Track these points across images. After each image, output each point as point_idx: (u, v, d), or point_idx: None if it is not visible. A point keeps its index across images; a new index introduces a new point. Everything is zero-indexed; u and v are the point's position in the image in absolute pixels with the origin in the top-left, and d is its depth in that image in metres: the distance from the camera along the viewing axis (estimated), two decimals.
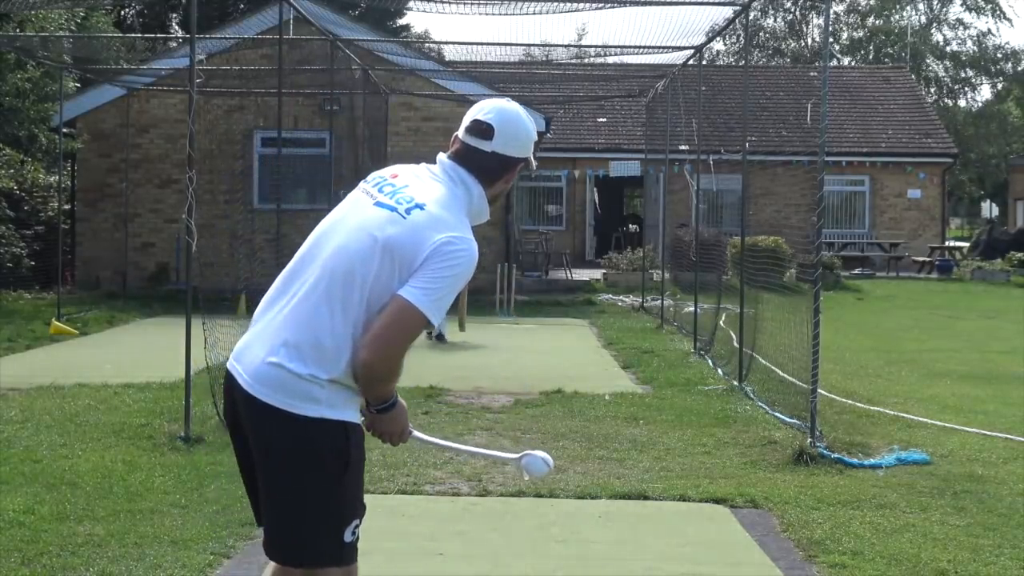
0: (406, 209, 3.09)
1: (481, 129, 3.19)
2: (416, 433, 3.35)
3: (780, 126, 29.53)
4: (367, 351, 2.99)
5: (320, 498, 3.09)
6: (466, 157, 3.21)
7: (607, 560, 5.38)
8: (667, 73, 15.65)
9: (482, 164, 3.20)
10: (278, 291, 3.20)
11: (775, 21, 52.89)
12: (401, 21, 42.66)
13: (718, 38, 14.39)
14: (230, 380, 3.20)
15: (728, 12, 11.60)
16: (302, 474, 3.07)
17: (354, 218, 3.16)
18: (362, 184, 3.30)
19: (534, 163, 3.33)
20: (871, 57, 50.76)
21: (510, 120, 3.21)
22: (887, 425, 8.67)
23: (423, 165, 3.28)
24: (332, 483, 3.09)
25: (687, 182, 16.14)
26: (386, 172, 3.29)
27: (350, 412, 3.12)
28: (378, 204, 3.14)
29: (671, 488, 6.60)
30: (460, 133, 3.25)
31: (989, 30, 59.91)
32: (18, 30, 16.51)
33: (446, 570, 5.13)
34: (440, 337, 13.05)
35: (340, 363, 3.05)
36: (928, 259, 27.69)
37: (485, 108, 3.22)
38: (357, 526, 3.19)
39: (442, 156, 3.25)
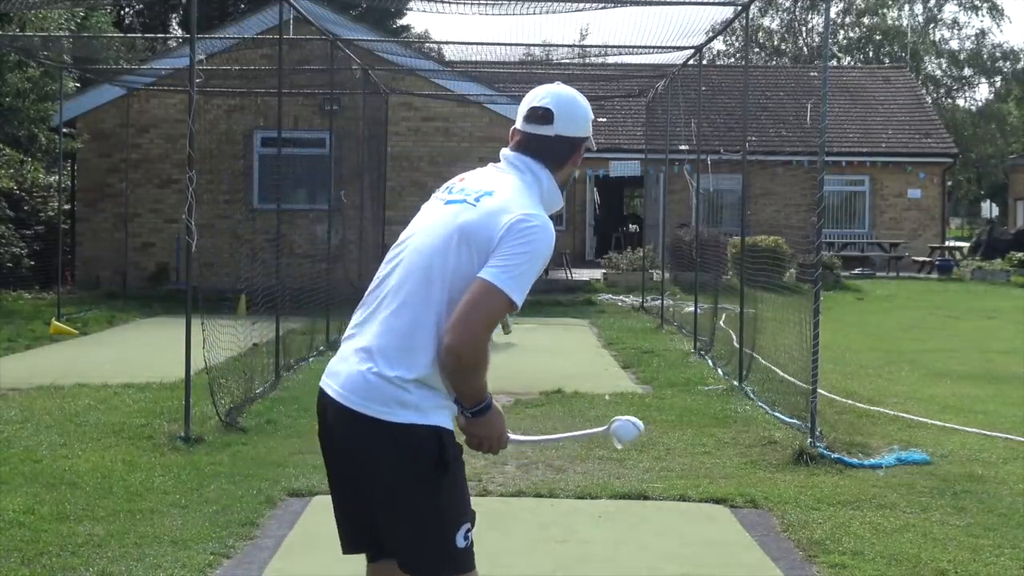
0: (476, 198, 3.11)
1: (539, 115, 3.19)
2: (512, 436, 3.23)
3: (780, 126, 29.52)
4: (449, 336, 2.92)
5: (421, 505, 3.03)
6: (529, 145, 3.21)
7: (607, 560, 5.38)
8: (667, 73, 15.64)
9: (547, 149, 3.19)
10: (364, 305, 3.18)
11: (772, 22, 52.93)
12: (401, 21, 42.67)
13: (718, 38, 14.40)
14: (322, 397, 3.15)
15: (728, 12, 11.60)
16: (400, 482, 3.02)
17: (428, 220, 3.18)
18: (434, 194, 3.31)
19: (594, 142, 3.33)
20: (871, 55, 50.77)
21: (567, 101, 3.21)
22: (887, 425, 8.67)
23: (489, 165, 3.29)
24: (431, 489, 3.02)
25: (687, 182, 16.15)
26: (455, 179, 3.32)
27: (441, 417, 3.04)
28: (449, 202, 3.17)
29: (671, 488, 6.60)
30: (518, 124, 3.25)
31: (987, 29, 59.85)
32: (18, 30, 16.50)
33: None
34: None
35: (426, 361, 2.99)
36: (928, 259, 27.69)
37: (539, 94, 3.23)
38: (469, 530, 3.08)
39: (505, 150, 3.26)
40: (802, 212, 26.90)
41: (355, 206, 15.46)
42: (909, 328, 16.53)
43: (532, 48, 17.96)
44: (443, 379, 3.01)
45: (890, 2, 51.66)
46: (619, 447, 3.36)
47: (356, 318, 3.18)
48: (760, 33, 51.67)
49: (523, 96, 3.34)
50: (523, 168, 3.19)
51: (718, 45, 45.80)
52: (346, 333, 3.19)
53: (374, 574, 3.29)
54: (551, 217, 3.17)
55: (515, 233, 2.99)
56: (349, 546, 3.28)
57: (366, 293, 3.22)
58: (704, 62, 14.23)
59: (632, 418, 3.32)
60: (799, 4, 51.98)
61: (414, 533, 3.03)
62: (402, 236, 3.26)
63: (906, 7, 52.25)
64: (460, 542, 3.04)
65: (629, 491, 6.52)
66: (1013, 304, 20.45)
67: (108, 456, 7.14)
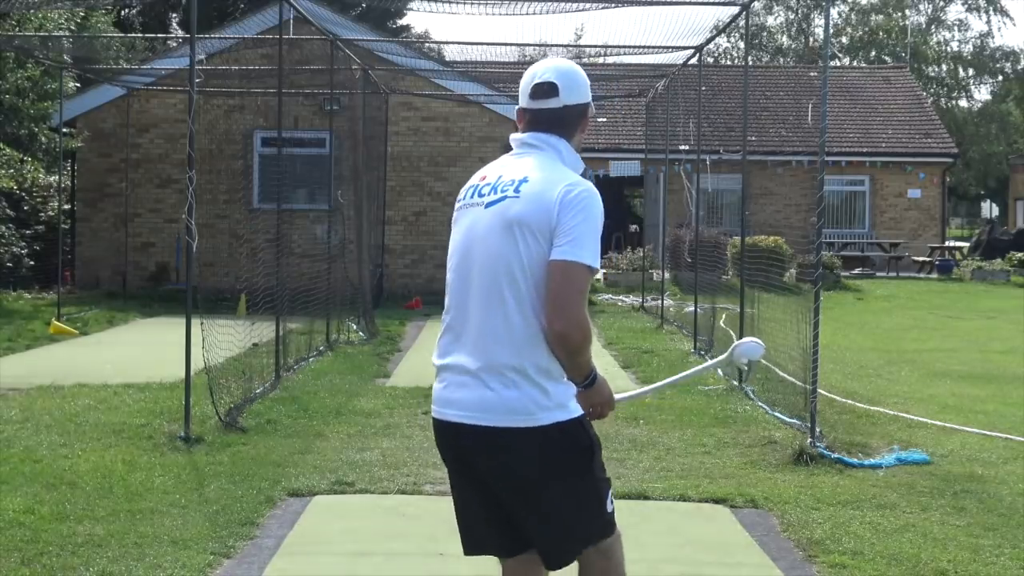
0: (515, 189, 3.21)
1: (545, 89, 3.29)
2: (619, 396, 3.49)
3: (780, 126, 29.52)
4: (552, 324, 3.10)
5: (584, 493, 3.24)
6: (539, 121, 3.31)
7: None
8: (667, 73, 15.64)
9: (557, 120, 3.31)
10: (450, 328, 3.29)
11: (776, 20, 52.92)
12: (401, 21, 42.66)
13: (721, 37, 14.40)
14: (445, 428, 3.28)
15: (728, 12, 11.59)
16: (563, 479, 3.20)
17: (478, 229, 3.25)
18: (458, 205, 3.38)
19: (593, 107, 3.45)
20: (872, 56, 50.76)
21: (568, 72, 3.34)
22: (887, 425, 8.67)
23: (503, 156, 3.39)
24: (588, 474, 3.24)
25: (685, 183, 16.15)
26: (474, 180, 3.38)
27: (576, 407, 3.23)
28: (489, 204, 3.24)
29: (671, 488, 6.60)
30: (524, 103, 3.34)
31: (989, 31, 59.91)
32: (17, 29, 16.50)
33: (446, 570, 5.13)
34: None
35: (541, 350, 3.15)
36: (928, 259, 27.69)
37: (539, 71, 3.33)
38: (610, 491, 3.35)
39: (515, 134, 3.36)
40: (802, 212, 26.91)
41: (355, 206, 15.45)
42: (909, 328, 16.52)
43: (532, 48, 17.96)
44: (559, 364, 3.18)
45: (893, 3, 51.64)
46: (746, 365, 3.57)
47: (447, 344, 3.29)
48: (764, 33, 51.66)
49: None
50: (541, 145, 3.29)
51: (722, 43, 45.78)
52: (442, 361, 3.29)
53: (512, 570, 3.44)
54: None
55: (567, 207, 3.12)
56: (476, 548, 3.43)
57: (445, 315, 3.32)
58: (709, 60, 14.22)
59: (754, 338, 3.48)
60: (803, 3, 51.98)
61: (577, 513, 3.23)
62: (454, 256, 3.32)
63: (909, 8, 52.24)
64: (609, 506, 3.31)
65: (629, 491, 6.52)
66: (1013, 304, 20.45)
67: (108, 456, 7.14)
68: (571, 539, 3.26)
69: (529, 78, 3.32)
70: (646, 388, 3.80)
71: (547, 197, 3.13)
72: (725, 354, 3.52)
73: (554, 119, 3.29)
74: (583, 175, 3.28)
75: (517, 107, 3.39)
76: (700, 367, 3.73)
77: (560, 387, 3.20)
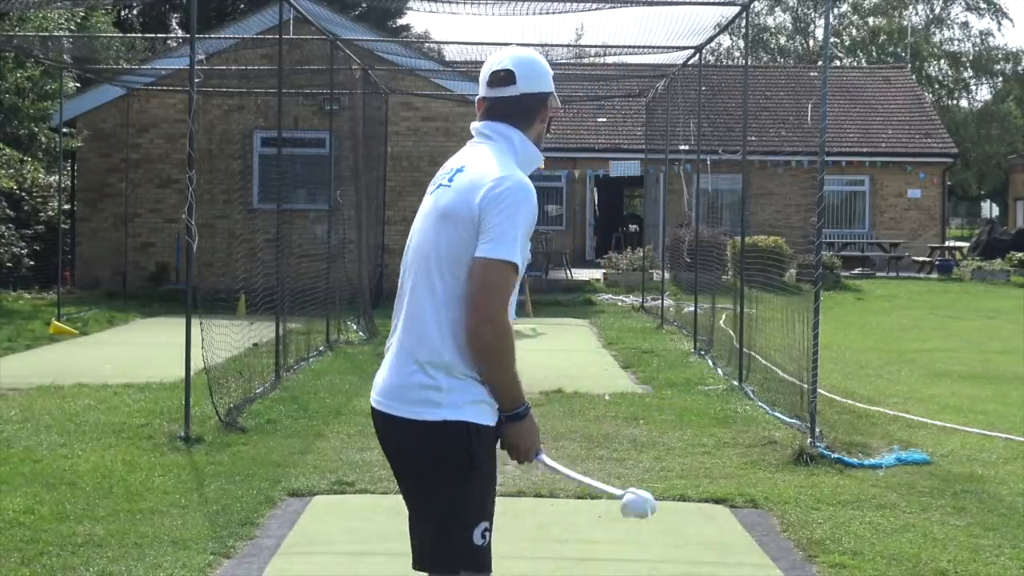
0: (449, 178, 3.19)
1: (501, 77, 3.23)
2: (543, 457, 3.24)
3: (780, 126, 29.52)
4: (468, 318, 3.00)
5: (446, 499, 3.07)
6: (495, 109, 3.25)
7: (607, 560, 5.38)
8: (667, 73, 15.64)
9: (513, 108, 3.23)
10: (393, 316, 3.27)
11: (776, 20, 52.92)
12: (401, 21, 42.66)
13: (723, 36, 14.40)
14: (373, 414, 3.24)
15: (729, 12, 11.59)
16: (428, 476, 3.09)
17: (420, 216, 3.30)
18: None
19: (558, 100, 3.35)
20: (875, 56, 50.75)
21: (526, 60, 3.26)
22: (887, 425, 8.67)
23: (467, 143, 3.35)
24: (457, 484, 3.07)
25: (684, 183, 16.15)
26: (440, 169, 3.39)
27: (473, 412, 3.07)
28: (432, 192, 3.27)
29: (671, 488, 6.60)
30: (481, 91, 3.29)
31: (989, 31, 59.93)
32: (17, 29, 16.50)
33: None
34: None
35: (449, 347, 3.05)
36: (928, 259, 27.68)
37: (497, 59, 3.27)
38: (487, 529, 3.12)
39: (474, 123, 3.31)
40: (802, 212, 26.91)
41: (355, 206, 15.46)
42: (909, 328, 16.53)
43: (532, 48, 17.94)
44: (476, 372, 3.06)
45: (894, 3, 51.63)
46: (626, 516, 3.32)
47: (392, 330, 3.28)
48: (766, 33, 51.64)
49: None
50: (492, 134, 3.23)
51: (724, 42, 45.77)
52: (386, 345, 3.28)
53: None
54: (535, 178, 3.24)
55: (492, 203, 3.04)
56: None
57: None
58: (710, 60, 14.22)
59: (648, 496, 3.29)
60: (805, 2, 51.97)
61: (436, 526, 3.09)
62: (408, 242, 3.34)
63: (910, 8, 52.24)
64: (478, 539, 3.08)
65: None
66: (1013, 304, 20.45)
67: (108, 456, 7.14)
68: (427, 544, 3.12)
69: (488, 66, 3.27)
70: (568, 473, 3.45)
71: (474, 192, 3.07)
72: (620, 492, 3.33)
73: (510, 108, 3.22)
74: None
75: (476, 96, 3.33)
76: (601, 487, 3.49)
77: (459, 385, 3.05)
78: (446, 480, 3.06)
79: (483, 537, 3.09)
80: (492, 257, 2.99)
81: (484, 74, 3.28)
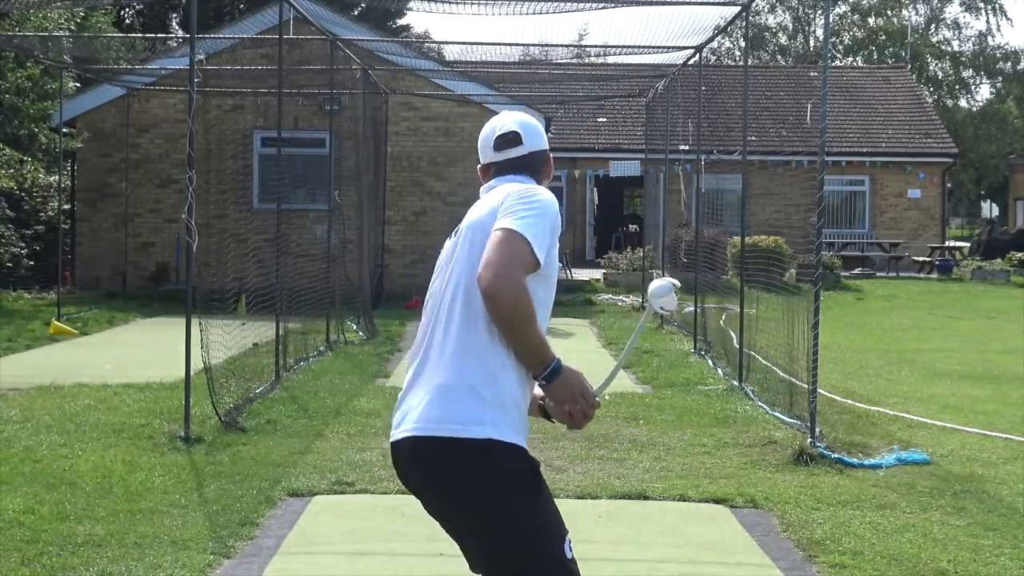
0: (475, 206, 3.21)
1: (509, 139, 3.29)
2: (597, 394, 3.06)
3: (780, 126, 29.52)
4: (481, 282, 2.89)
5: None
6: (505, 167, 3.28)
7: (607, 560, 5.38)
8: (667, 73, 15.64)
9: (522, 165, 3.28)
10: (412, 358, 3.18)
11: (776, 20, 52.92)
12: (401, 21, 42.68)
13: (724, 36, 14.38)
14: (394, 447, 3.15)
15: (729, 12, 11.59)
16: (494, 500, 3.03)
17: (441, 259, 3.22)
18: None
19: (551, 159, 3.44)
20: (875, 56, 50.75)
21: (526, 122, 3.34)
22: (887, 425, 8.67)
23: None
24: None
25: (683, 183, 16.14)
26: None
27: (518, 436, 3.02)
28: (454, 235, 3.23)
29: (671, 488, 6.60)
30: (487, 157, 3.32)
31: (988, 30, 59.89)
32: (17, 29, 16.50)
33: (446, 570, 5.13)
34: None
35: (455, 364, 2.98)
36: (928, 259, 27.68)
37: (499, 124, 3.34)
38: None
39: (483, 187, 3.32)
40: (802, 212, 26.89)
41: (355, 206, 15.46)
42: (909, 328, 16.53)
43: (532, 48, 17.96)
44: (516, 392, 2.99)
45: (893, 4, 51.64)
46: (666, 311, 3.25)
47: (409, 370, 3.15)
48: (766, 32, 51.63)
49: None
50: (508, 181, 3.24)
51: (725, 42, 45.75)
52: (404, 387, 3.15)
53: None
54: None
55: (513, 196, 3.05)
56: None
57: (413, 348, 3.23)
58: (711, 59, 14.22)
59: (662, 283, 3.20)
60: (805, 2, 51.98)
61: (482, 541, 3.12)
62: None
63: (909, 7, 52.24)
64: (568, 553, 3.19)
65: (629, 491, 6.52)
66: (1013, 304, 20.45)
67: (108, 456, 7.14)
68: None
69: (489, 131, 3.33)
70: (614, 368, 3.35)
71: (497, 200, 3.09)
72: (648, 307, 3.27)
73: (520, 165, 3.27)
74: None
75: (479, 165, 3.36)
76: (638, 330, 3.37)
77: (500, 409, 2.97)
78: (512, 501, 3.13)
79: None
80: (511, 227, 2.93)
81: (486, 139, 3.32)
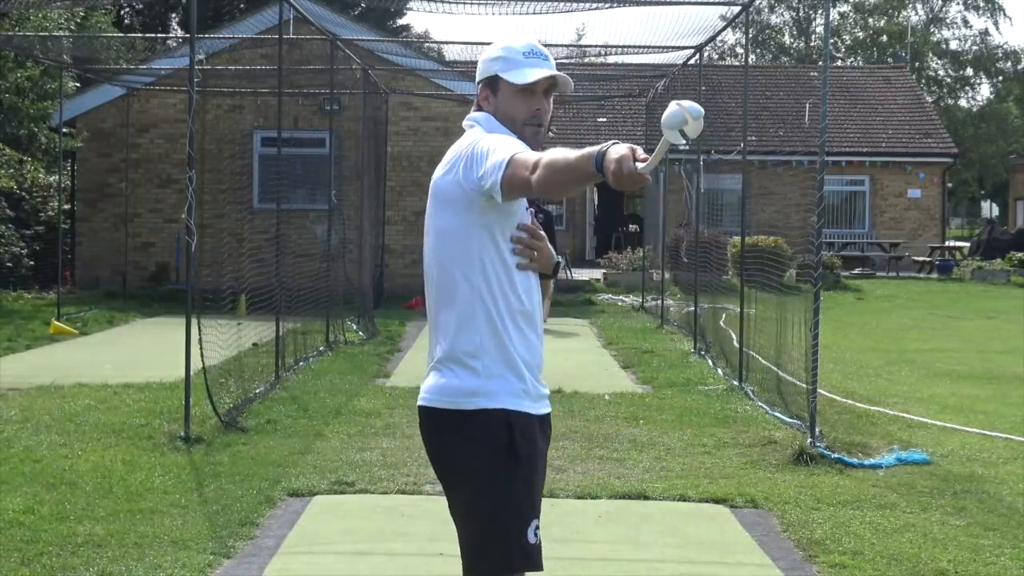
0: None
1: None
2: (641, 166, 2.85)
3: (780, 126, 29.52)
4: (504, 187, 2.96)
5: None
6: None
7: (607, 560, 5.38)
8: (667, 73, 15.64)
9: (478, 103, 3.42)
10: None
11: (777, 19, 52.92)
12: (401, 21, 42.67)
13: (727, 34, 14.38)
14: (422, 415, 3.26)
15: (729, 12, 11.59)
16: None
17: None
18: None
19: (508, 79, 3.33)
20: (875, 56, 50.75)
21: (486, 53, 3.43)
22: (887, 425, 8.67)
23: None
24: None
25: (685, 183, 16.12)
26: None
27: (510, 400, 3.08)
28: None
29: (671, 488, 6.60)
30: None
31: (987, 30, 59.94)
32: (17, 29, 16.50)
33: (446, 570, 5.13)
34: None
35: (443, 332, 3.12)
36: (928, 259, 27.69)
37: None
38: (537, 527, 3.09)
39: None
40: (802, 212, 26.88)
41: (355, 206, 15.46)
42: (909, 328, 16.52)
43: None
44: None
45: (893, 4, 51.64)
46: (682, 138, 3.05)
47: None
48: (766, 31, 51.62)
49: None
50: (469, 123, 3.39)
51: (728, 39, 45.71)
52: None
53: None
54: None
55: (467, 155, 3.12)
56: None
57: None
58: (713, 58, 14.21)
59: (677, 107, 3.04)
60: (805, 2, 51.98)
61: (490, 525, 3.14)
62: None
63: (909, 7, 52.25)
64: (531, 538, 3.17)
65: (629, 491, 6.52)
66: (1013, 304, 20.45)
67: (108, 456, 7.14)
68: (475, 548, 3.10)
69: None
70: (660, 151, 3.19)
71: (453, 164, 3.16)
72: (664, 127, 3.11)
73: (477, 103, 3.42)
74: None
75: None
76: (662, 143, 3.19)
77: (493, 373, 3.07)
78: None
79: (535, 536, 3.11)
80: (488, 167, 2.99)
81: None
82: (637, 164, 2.86)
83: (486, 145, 3.06)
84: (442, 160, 3.25)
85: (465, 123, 3.38)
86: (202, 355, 8.15)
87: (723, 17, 12.62)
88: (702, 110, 3.03)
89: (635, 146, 2.84)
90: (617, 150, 2.82)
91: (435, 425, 3.15)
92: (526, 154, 2.97)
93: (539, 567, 3.06)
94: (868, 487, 6.70)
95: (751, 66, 20.41)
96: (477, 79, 3.41)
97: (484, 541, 3.05)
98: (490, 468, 3.04)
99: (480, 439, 3.06)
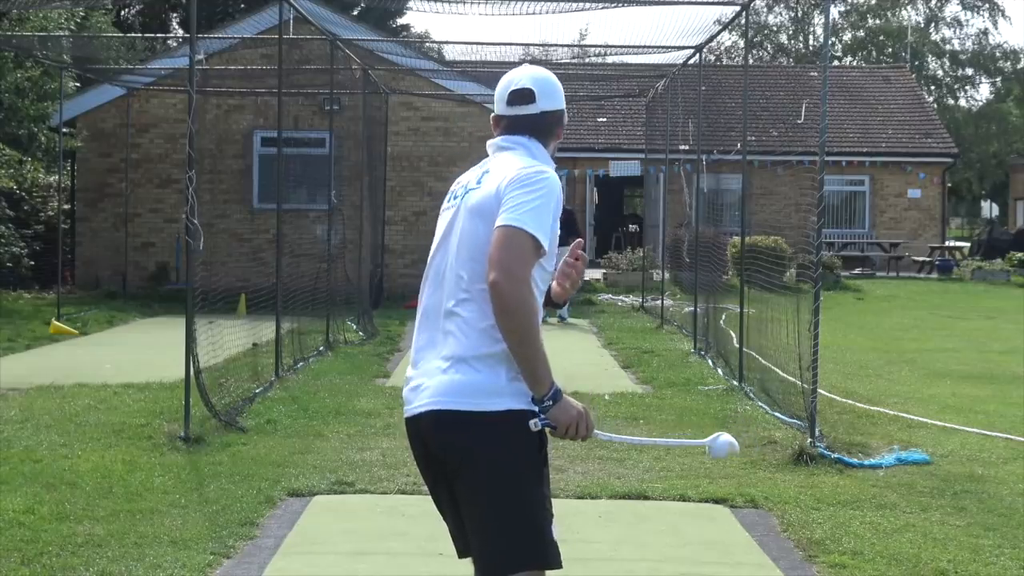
0: (477, 181, 3.21)
1: (523, 95, 3.26)
2: (598, 432, 3.22)
3: (780, 126, 29.51)
4: (489, 280, 2.95)
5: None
6: (516, 126, 3.28)
7: (607, 560, 5.38)
8: (667, 73, 15.64)
9: (533, 125, 3.27)
10: (419, 330, 3.28)
11: (777, 18, 52.92)
12: (401, 21, 42.63)
13: (725, 35, 14.40)
14: (410, 423, 3.21)
15: (729, 12, 11.59)
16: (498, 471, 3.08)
17: (439, 231, 3.28)
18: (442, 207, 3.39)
19: (567, 116, 3.39)
20: (874, 56, 50.74)
21: (544, 79, 3.30)
22: (887, 425, 8.67)
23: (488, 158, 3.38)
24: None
25: (684, 183, 16.13)
26: (453, 185, 3.41)
27: (527, 400, 3.07)
28: (451, 202, 3.27)
29: (671, 488, 6.60)
30: (499, 110, 3.32)
31: (987, 29, 59.90)
32: (17, 29, 16.50)
33: (446, 570, 5.13)
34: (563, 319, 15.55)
35: (466, 336, 3.08)
36: (928, 259, 27.69)
37: (516, 78, 3.30)
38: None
39: (490, 140, 3.34)
40: (802, 212, 26.88)
41: (355, 206, 15.46)
42: (909, 328, 16.52)
43: (532, 48, 17.97)
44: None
45: (891, 4, 51.63)
46: (713, 456, 3.33)
47: (416, 343, 3.27)
48: (764, 31, 51.60)
49: None
50: (513, 145, 3.25)
51: (726, 41, 45.70)
52: (412, 359, 3.25)
53: None
54: None
55: (516, 182, 3.06)
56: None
57: (417, 320, 3.32)
58: (712, 59, 14.22)
59: (731, 439, 3.37)
60: (803, 2, 51.97)
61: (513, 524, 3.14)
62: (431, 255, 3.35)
63: (908, 7, 52.24)
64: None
65: (629, 491, 6.52)
66: (1013, 304, 20.45)
67: (108, 456, 7.14)
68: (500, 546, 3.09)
69: (505, 84, 3.30)
70: (633, 439, 3.51)
71: (499, 182, 3.09)
72: (705, 441, 3.39)
73: (530, 125, 3.26)
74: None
75: (492, 114, 3.35)
76: (678, 442, 3.56)
77: (510, 381, 3.06)
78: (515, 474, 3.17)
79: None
80: (513, 224, 2.97)
81: (502, 92, 3.31)
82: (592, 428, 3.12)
83: (525, 214, 3.01)
84: (485, 172, 3.21)
85: (511, 145, 3.27)
86: (197, 356, 8.15)
87: (718, 22, 12.62)
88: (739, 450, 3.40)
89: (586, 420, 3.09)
90: (573, 411, 3.07)
91: (457, 426, 3.07)
92: (525, 269, 2.98)
93: (561, 564, 3.10)
94: (868, 487, 6.70)
95: (751, 66, 20.42)
96: (553, 106, 3.28)
97: (516, 540, 3.04)
98: (526, 468, 3.07)
99: (516, 439, 3.06)
